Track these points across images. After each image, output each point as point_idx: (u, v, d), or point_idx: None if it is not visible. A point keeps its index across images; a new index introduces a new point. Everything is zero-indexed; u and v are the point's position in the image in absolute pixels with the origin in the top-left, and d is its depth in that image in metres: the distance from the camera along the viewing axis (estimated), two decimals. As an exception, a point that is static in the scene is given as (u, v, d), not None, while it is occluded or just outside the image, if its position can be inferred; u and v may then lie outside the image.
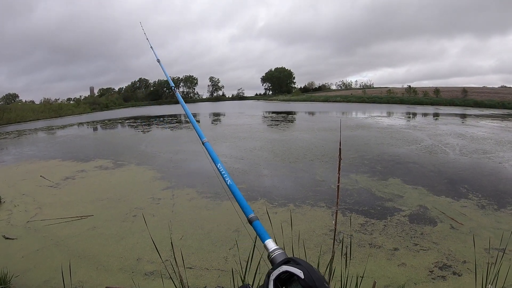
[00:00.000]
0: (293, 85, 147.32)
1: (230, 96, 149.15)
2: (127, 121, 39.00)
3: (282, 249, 0.94)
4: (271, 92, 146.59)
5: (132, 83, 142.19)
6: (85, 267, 5.08)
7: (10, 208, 8.67)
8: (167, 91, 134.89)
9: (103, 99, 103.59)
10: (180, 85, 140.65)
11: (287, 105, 65.82)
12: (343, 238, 5.66)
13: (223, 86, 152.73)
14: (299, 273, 0.72)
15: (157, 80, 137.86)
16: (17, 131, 34.58)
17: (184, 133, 23.53)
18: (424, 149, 13.84)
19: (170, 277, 3.38)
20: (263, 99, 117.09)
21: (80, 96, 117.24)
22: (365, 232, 6.21)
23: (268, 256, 0.93)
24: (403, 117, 31.20)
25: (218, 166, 1.45)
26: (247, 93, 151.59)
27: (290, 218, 5.51)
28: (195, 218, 7.25)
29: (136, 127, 31.30)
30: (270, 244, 0.98)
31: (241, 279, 2.89)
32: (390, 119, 29.31)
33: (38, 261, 5.60)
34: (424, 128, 21.61)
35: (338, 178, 2.63)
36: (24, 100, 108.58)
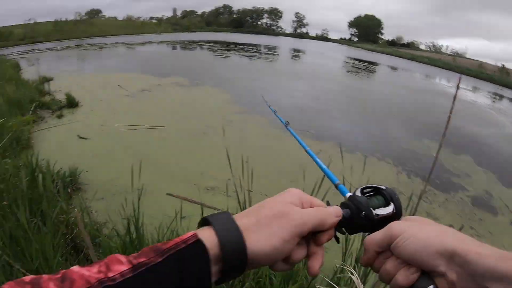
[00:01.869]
0: (380, 36, 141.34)
1: (314, 35, 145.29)
2: (206, 44, 39.24)
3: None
4: (356, 39, 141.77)
5: (215, 8, 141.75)
6: (150, 172, 5.27)
7: (86, 111, 9.16)
8: (250, 20, 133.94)
9: (185, 21, 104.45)
10: (264, 17, 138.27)
11: (371, 55, 63.05)
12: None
13: (307, 24, 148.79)
14: (381, 186, 0.79)
15: (241, 8, 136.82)
16: (99, 44, 35.71)
17: (262, 64, 23.43)
18: (504, 135, 12.77)
19: (229, 195, 3.45)
20: (347, 44, 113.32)
21: (163, 15, 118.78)
22: (426, 200, 6.02)
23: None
24: (489, 97, 28.86)
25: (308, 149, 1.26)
26: (332, 36, 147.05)
27: (357, 164, 5.37)
28: (264, 145, 7.34)
29: (215, 51, 31.49)
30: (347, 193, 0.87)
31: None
32: (475, 95, 27.23)
33: (107, 161, 5.99)
34: (509, 113, 20.07)
35: (436, 155, 2.35)
36: (107, 16, 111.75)
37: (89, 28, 59.19)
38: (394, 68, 37.84)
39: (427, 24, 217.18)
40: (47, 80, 12.95)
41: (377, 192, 0.79)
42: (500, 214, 6.24)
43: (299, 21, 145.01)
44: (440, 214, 5.63)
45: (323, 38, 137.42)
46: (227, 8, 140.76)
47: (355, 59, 41.64)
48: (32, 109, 8.57)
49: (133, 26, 72.92)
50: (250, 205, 4.46)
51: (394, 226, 0.66)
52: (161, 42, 40.88)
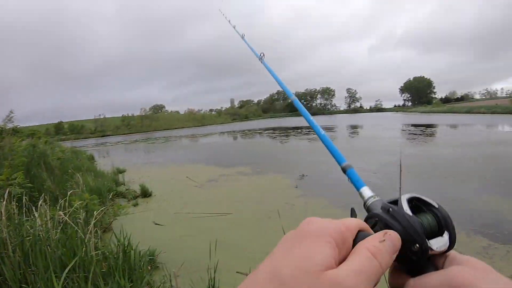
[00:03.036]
0: (433, 95, 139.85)
1: (368, 107, 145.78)
2: (266, 131, 40.49)
3: (379, 197, 0.75)
4: (410, 103, 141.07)
5: (270, 95, 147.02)
6: (221, 254, 5.65)
7: (159, 201, 9.98)
8: (304, 102, 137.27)
9: (243, 111, 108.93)
10: (318, 97, 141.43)
11: (427, 117, 61.76)
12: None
13: (360, 98, 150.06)
14: (432, 202, 0.61)
15: (294, 93, 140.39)
16: (164, 137, 38.21)
17: (321, 144, 23.79)
18: None
19: None
20: (402, 111, 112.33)
21: (221, 107, 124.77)
22: (486, 255, 5.86)
23: (364, 204, 0.75)
24: None
25: (311, 119, 1.22)
26: (385, 105, 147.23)
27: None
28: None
29: (274, 137, 32.45)
30: (367, 191, 0.79)
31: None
32: None
33: (181, 244, 6.45)
34: None
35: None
36: (170, 110, 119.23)
37: (155, 122, 63.82)
38: (452, 126, 36.97)
39: (476, 72, 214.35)
40: (121, 171, 14.30)
41: (422, 209, 0.62)
42: None
43: (352, 96, 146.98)
44: (500, 266, 5.37)
45: (377, 109, 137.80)
46: (281, 94, 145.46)
47: (412, 125, 41.17)
48: (110, 197, 9.61)
49: (194, 119, 77.47)
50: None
51: (458, 274, 0.50)
52: (222, 132, 42.78)
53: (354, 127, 43.47)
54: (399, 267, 0.57)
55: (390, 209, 0.58)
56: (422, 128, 34.98)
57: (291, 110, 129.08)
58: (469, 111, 71.56)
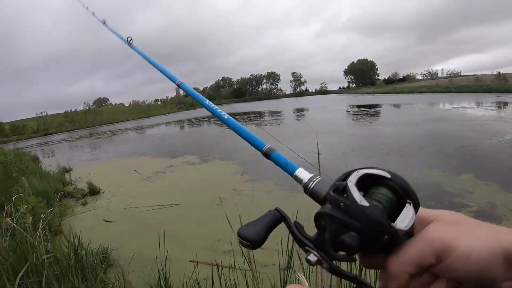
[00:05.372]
0: (376, 77, 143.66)
1: (313, 90, 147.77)
2: (212, 119, 40.38)
3: (320, 176, 0.68)
4: (354, 85, 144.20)
5: (216, 82, 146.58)
6: (172, 245, 5.79)
7: (108, 197, 9.97)
8: (250, 88, 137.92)
9: (189, 99, 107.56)
10: (263, 82, 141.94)
11: (371, 98, 62.99)
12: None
13: (305, 81, 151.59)
14: (383, 173, 0.55)
15: (240, 78, 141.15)
16: (109, 131, 37.59)
17: (268, 130, 24.05)
18: (507, 143, 12.75)
19: (244, 255, 3.88)
20: (347, 93, 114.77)
21: (167, 96, 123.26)
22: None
23: (306, 189, 0.67)
24: (490, 108, 28.43)
25: (207, 104, 1.09)
26: (330, 87, 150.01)
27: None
28: (272, 207, 7.80)
29: (221, 125, 32.43)
30: (304, 173, 0.72)
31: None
32: (476, 110, 27.25)
33: (133, 239, 6.60)
34: (510, 119, 20.23)
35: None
36: (114, 103, 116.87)
37: (99, 116, 62.71)
38: (394, 106, 38.22)
39: (417, 54, 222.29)
40: (67, 170, 14.11)
41: (374, 184, 0.56)
42: (505, 220, 6.29)
43: (297, 80, 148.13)
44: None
45: (323, 91, 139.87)
46: (226, 80, 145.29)
47: (356, 106, 42.19)
48: (58, 199, 9.46)
49: (140, 110, 76.48)
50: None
51: (436, 235, 0.48)
52: (169, 122, 42.41)
53: (300, 110, 44.07)
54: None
55: (341, 204, 0.51)
56: (366, 109, 35.98)
57: (237, 96, 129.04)
58: (411, 91, 73.22)
